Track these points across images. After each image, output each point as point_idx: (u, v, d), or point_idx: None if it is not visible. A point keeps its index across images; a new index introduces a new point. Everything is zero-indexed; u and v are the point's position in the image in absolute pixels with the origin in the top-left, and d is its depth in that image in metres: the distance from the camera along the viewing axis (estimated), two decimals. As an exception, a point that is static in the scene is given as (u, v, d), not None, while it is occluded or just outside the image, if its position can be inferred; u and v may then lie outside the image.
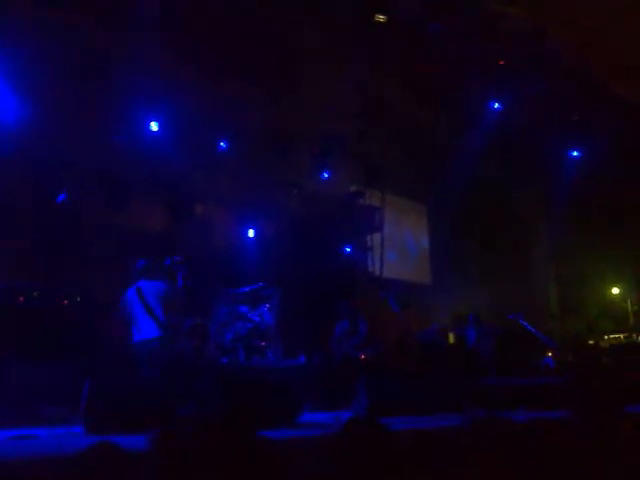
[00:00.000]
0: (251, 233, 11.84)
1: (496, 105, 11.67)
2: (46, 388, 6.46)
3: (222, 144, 11.25)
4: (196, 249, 9.87)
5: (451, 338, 12.63)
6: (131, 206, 10.18)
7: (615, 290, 16.42)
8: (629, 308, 15.80)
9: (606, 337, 13.63)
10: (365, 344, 9.15)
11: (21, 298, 7.63)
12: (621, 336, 13.81)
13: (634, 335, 13.55)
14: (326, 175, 12.61)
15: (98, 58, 8.78)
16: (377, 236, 13.93)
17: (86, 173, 9.60)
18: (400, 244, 14.88)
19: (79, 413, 5.65)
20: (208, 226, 11.02)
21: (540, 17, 10.40)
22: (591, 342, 12.13)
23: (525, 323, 9.93)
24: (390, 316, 9.93)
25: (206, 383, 5.65)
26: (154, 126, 9.99)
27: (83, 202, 9.67)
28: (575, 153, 12.97)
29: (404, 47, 10.50)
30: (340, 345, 9.33)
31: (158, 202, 10.91)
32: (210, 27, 9.32)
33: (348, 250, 13.11)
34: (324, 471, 2.12)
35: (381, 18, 9.73)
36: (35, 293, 7.71)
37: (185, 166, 10.16)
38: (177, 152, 10.09)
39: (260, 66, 10.11)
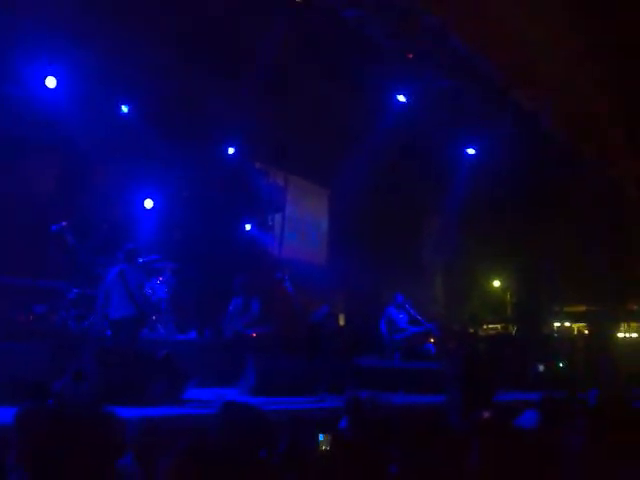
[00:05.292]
0: (148, 203, 11.49)
1: (401, 97, 11.93)
2: None
3: (124, 108, 10.82)
4: (87, 216, 9.50)
5: (341, 320, 12.95)
6: (20, 167, 9.60)
7: (496, 283, 17.46)
8: (508, 300, 16.86)
9: (485, 327, 14.49)
10: (256, 322, 9.21)
11: None
12: (499, 326, 14.74)
13: (510, 326, 14.49)
14: (231, 150, 12.46)
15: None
16: (278, 216, 13.99)
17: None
18: (300, 225, 15.01)
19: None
20: (102, 193, 10.59)
21: (450, 17, 10.75)
22: (471, 331, 12.84)
23: (410, 308, 10.35)
24: (284, 296, 10.04)
25: (86, 356, 5.49)
26: (51, 82, 9.44)
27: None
28: (471, 151, 13.56)
29: (320, 29, 10.52)
30: (232, 322, 9.35)
31: (50, 164, 10.34)
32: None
33: (248, 227, 13.07)
34: (197, 451, 2.15)
35: (299, -1, 9.68)
36: None
37: (82, 128, 9.68)
38: (74, 112, 9.60)
39: (173, 31, 9.79)
